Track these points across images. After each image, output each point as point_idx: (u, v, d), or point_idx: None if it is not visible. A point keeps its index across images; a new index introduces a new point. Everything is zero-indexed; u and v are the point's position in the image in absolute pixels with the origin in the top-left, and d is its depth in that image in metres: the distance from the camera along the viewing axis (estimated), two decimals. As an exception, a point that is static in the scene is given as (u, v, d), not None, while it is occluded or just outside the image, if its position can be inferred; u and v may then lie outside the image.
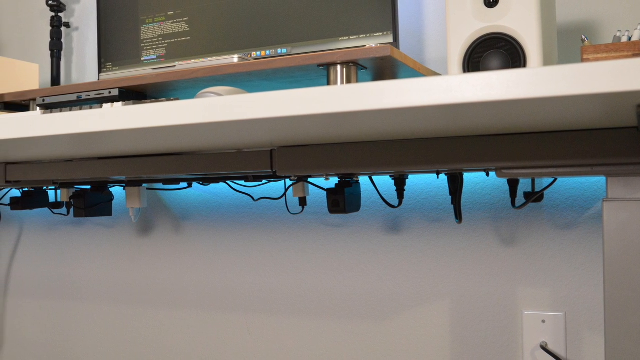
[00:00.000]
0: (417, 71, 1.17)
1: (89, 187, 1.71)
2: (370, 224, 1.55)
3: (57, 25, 1.85)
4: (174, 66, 1.30)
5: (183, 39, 1.50)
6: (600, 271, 1.34)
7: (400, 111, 0.66)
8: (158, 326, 1.81)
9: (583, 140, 0.83)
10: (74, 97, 1.33)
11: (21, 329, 2.03)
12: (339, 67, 1.11)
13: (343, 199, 1.32)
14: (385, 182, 1.53)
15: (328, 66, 1.12)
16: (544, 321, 1.38)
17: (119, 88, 1.29)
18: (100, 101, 1.31)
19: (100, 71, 1.62)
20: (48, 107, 1.35)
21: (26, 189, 1.76)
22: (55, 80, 1.84)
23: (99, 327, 1.90)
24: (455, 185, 1.34)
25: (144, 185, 1.70)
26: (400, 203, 1.43)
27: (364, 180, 1.54)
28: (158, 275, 1.81)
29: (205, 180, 1.53)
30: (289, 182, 1.58)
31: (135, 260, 1.85)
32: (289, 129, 0.81)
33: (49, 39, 1.98)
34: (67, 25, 1.92)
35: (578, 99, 0.58)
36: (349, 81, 1.11)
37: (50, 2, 1.83)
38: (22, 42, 2.07)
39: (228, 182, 1.63)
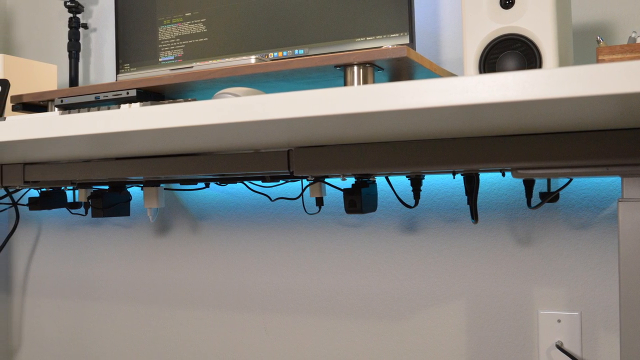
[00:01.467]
0: (433, 72, 1.17)
1: (106, 187, 1.72)
2: (386, 224, 1.55)
3: (75, 27, 1.86)
4: (192, 67, 1.31)
5: (200, 40, 1.51)
6: (616, 271, 1.34)
7: (416, 112, 0.66)
8: (175, 326, 1.82)
9: (598, 140, 0.83)
10: (92, 98, 1.34)
11: (39, 329, 2.05)
12: (355, 68, 1.11)
13: (360, 199, 1.33)
14: (401, 182, 1.53)
15: (345, 67, 1.12)
16: (559, 321, 1.38)
17: (136, 89, 1.30)
18: (118, 102, 1.32)
19: (117, 72, 1.63)
20: (66, 108, 1.37)
21: (44, 189, 1.78)
22: (73, 81, 1.86)
23: (117, 327, 1.92)
24: (471, 185, 1.34)
25: (161, 185, 1.71)
26: (416, 203, 1.43)
27: (380, 180, 1.55)
28: (175, 275, 1.82)
29: (223, 180, 1.54)
30: (305, 182, 1.59)
31: (152, 260, 1.86)
32: (306, 130, 0.82)
33: (67, 40, 1.99)
34: (85, 26, 1.94)
35: (593, 100, 0.59)
36: (365, 82, 1.11)
37: (68, 4, 1.84)
38: (40, 43, 2.09)
39: (245, 182, 1.64)
